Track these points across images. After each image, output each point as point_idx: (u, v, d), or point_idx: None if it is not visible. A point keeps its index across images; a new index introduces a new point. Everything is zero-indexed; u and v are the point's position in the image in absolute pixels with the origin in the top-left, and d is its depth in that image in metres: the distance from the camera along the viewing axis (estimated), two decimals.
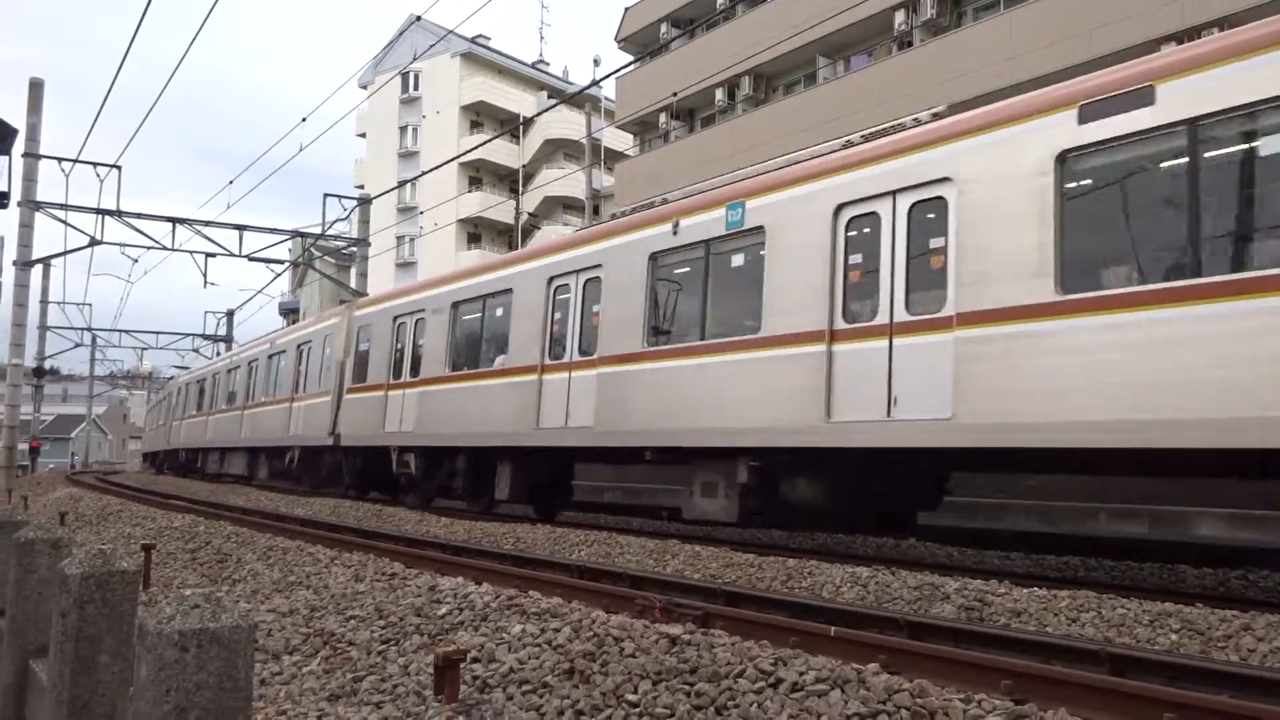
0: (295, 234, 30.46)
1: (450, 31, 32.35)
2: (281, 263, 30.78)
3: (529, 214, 51.53)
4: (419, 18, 20.91)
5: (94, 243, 26.36)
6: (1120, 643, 5.57)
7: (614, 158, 40.98)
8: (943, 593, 6.99)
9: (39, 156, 25.44)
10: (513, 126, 51.35)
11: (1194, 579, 9.50)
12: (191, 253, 28.16)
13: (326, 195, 28.61)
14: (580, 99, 34.45)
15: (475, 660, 4.78)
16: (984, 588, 7.00)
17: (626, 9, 36.46)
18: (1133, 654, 4.98)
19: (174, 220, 27.19)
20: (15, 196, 25.10)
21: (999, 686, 4.37)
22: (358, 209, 30.73)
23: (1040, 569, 10.17)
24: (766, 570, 8.46)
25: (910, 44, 25.74)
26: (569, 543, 10.94)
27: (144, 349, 54.19)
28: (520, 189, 53.14)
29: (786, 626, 5.69)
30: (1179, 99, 7.24)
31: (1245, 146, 7.08)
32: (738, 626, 5.65)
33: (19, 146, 25.12)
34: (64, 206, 25.79)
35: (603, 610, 5.83)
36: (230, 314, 50.85)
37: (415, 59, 46.19)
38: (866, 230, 9.50)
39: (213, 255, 28.08)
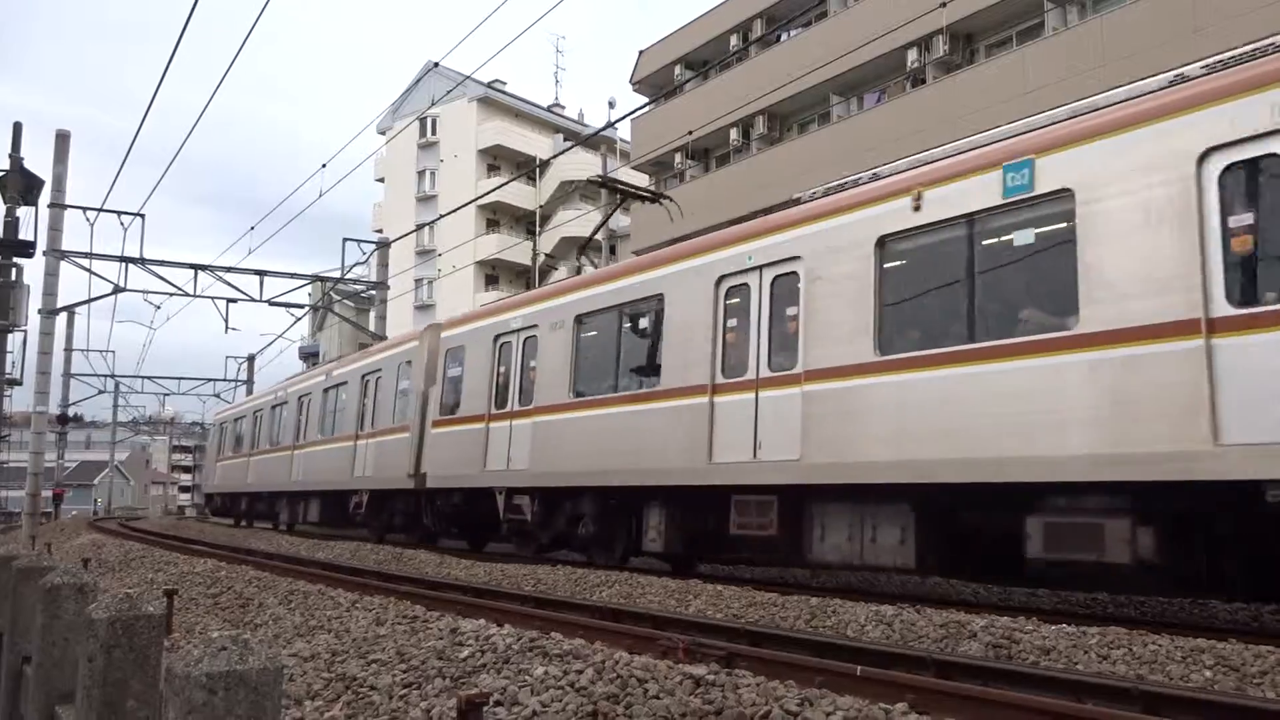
0: (315, 278, 30.77)
1: (467, 77, 32.83)
2: (302, 307, 31.06)
3: (546, 255, 51.85)
4: (436, 64, 21.26)
5: (117, 290, 26.67)
6: (1153, 680, 5.47)
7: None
8: (969, 630, 6.89)
9: (64, 206, 25.81)
10: (529, 169, 51.84)
11: (1226, 614, 9.34)
12: (213, 299, 28.44)
13: (346, 240, 28.94)
14: (596, 141, 34.79)
15: (498, 703, 4.74)
16: (1011, 625, 6.90)
17: (641, 52, 36.94)
18: (1166, 691, 4.88)
19: (196, 267, 27.51)
20: (41, 246, 25.46)
21: None
22: (377, 253, 31.04)
23: (1068, 605, 10.03)
24: (790, 609, 8.37)
25: (923, 81, 25.91)
26: (590, 584, 10.88)
27: (166, 395, 54.67)
28: (537, 230, 53.54)
29: (812, 666, 5.62)
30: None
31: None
32: (762, 666, 5.58)
33: (45, 197, 25.54)
34: (88, 255, 26.15)
35: (626, 651, 5.78)
36: (251, 359, 51.22)
37: (433, 104, 46.83)
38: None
39: (234, 301, 28.33)
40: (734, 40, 32.85)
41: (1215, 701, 4.68)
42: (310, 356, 58.97)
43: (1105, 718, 4.36)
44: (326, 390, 22.34)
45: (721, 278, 11.25)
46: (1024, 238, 8.50)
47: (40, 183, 25.21)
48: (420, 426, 16.91)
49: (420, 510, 17.73)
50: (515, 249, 51.95)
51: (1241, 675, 5.57)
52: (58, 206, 25.71)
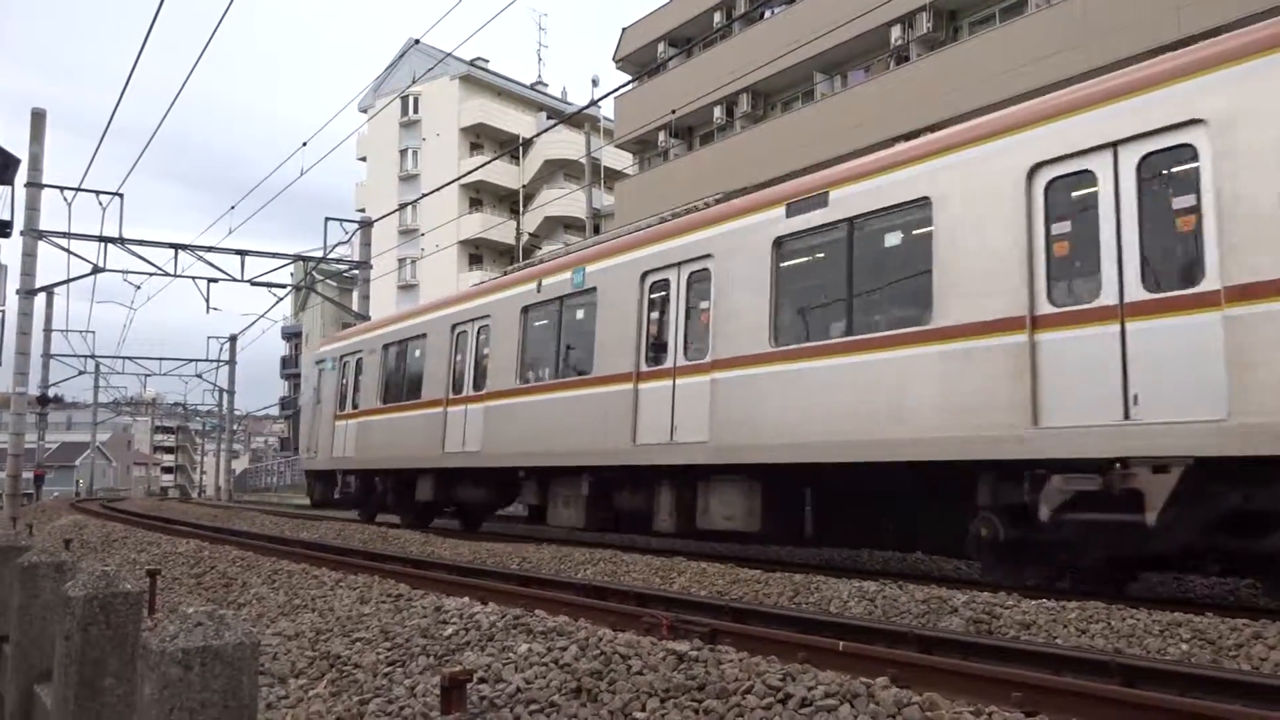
0: (297, 258, 30.58)
1: (449, 54, 32.57)
2: (284, 287, 30.86)
3: (530, 234, 51.66)
4: (418, 41, 21.05)
5: (96, 270, 26.43)
6: (1130, 653, 5.53)
7: (614, 177, 41.11)
8: (950, 606, 6.95)
9: (41, 186, 25.53)
10: (512, 148, 51.53)
11: (1203, 588, 9.45)
12: (194, 278, 28.22)
13: (328, 219, 28.75)
14: (579, 119, 34.62)
15: (482, 680, 4.75)
16: (992, 600, 6.95)
17: (624, 29, 36.67)
18: (1143, 664, 4.94)
19: (176, 246, 27.28)
20: (18, 226, 25.17)
21: (1010, 699, 4.33)
22: (359, 232, 30.85)
23: (1047, 580, 10.10)
24: (773, 586, 8.41)
25: (907, 59, 25.85)
26: (574, 561, 10.90)
27: (147, 375, 54.33)
28: (521, 209, 53.31)
29: (794, 642, 5.65)
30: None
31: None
32: (745, 642, 5.61)
33: (21, 176, 25.22)
34: (67, 235, 25.88)
35: (609, 628, 5.79)
36: (233, 339, 50.93)
37: (414, 82, 46.48)
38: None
39: (215, 281, 28.11)
40: (717, 17, 32.66)
41: (1191, 674, 4.74)
42: (293, 336, 58.57)
43: (1083, 690, 4.40)
44: (787, 242, 10.37)
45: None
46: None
47: (16, 162, 24.88)
48: None
49: None
50: (499, 228, 51.72)
51: (1217, 648, 5.64)
52: (35, 186, 25.42)
